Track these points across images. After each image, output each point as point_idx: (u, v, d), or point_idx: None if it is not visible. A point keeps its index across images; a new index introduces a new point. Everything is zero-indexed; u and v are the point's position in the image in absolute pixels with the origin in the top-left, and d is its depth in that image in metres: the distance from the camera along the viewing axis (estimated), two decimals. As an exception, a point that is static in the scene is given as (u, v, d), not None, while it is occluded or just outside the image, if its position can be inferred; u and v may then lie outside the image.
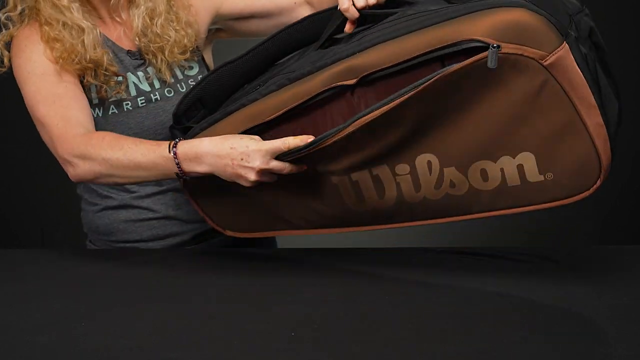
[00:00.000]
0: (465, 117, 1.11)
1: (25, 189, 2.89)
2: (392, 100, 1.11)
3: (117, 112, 1.43)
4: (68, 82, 1.39)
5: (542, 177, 1.12)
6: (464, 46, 1.07)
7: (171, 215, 1.50)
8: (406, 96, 1.10)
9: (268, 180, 1.23)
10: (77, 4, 1.40)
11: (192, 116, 1.34)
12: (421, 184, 1.17)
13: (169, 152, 1.25)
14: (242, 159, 1.21)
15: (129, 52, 1.46)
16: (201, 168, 1.24)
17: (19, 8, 1.41)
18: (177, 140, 1.26)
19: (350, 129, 1.14)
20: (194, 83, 1.48)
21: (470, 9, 1.08)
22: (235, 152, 1.21)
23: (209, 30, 1.56)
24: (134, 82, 1.45)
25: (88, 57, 1.38)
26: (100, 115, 1.43)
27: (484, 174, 1.14)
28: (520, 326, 1.03)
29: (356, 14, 1.25)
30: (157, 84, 1.46)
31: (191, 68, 1.50)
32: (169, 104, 1.44)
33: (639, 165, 2.82)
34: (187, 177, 1.27)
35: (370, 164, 1.18)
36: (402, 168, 1.17)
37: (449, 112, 1.11)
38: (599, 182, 1.12)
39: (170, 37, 1.44)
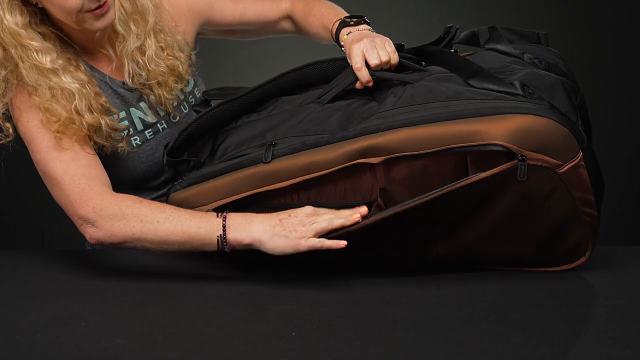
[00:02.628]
0: (477, 219, 1.18)
1: (25, 190, 2.89)
2: (422, 198, 1.14)
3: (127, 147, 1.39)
4: (79, 139, 1.30)
5: (535, 255, 1.22)
6: (490, 148, 1.12)
7: None
8: (434, 195, 1.14)
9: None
10: (60, 62, 1.30)
11: (187, 148, 1.32)
12: (425, 262, 1.24)
13: (217, 216, 1.20)
14: (289, 216, 1.18)
15: (124, 84, 1.40)
16: (249, 236, 1.18)
17: (2, 73, 1.29)
18: (226, 211, 1.21)
19: (377, 217, 1.16)
20: (192, 99, 1.47)
21: (498, 109, 1.13)
22: (284, 214, 1.18)
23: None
24: (139, 117, 1.41)
25: (85, 124, 1.29)
26: (127, 148, 1.37)
27: (484, 259, 1.23)
28: (520, 326, 1.03)
29: (367, 78, 1.26)
30: (161, 112, 1.43)
31: (188, 83, 1.47)
32: (177, 129, 1.41)
33: (638, 165, 2.82)
34: (227, 247, 1.20)
35: (385, 251, 1.23)
36: (411, 259, 1.24)
37: (463, 212, 1.17)
38: (583, 260, 1.22)
39: (164, 70, 1.39)
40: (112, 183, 1.31)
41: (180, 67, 1.42)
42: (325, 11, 1.48)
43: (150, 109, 1.42)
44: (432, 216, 1.17)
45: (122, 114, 1.39)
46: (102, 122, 1.31)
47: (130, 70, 1.38)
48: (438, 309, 1.10)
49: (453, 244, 1.20)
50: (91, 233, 1.24)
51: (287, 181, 1.20)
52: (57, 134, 1.28)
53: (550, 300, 1.12)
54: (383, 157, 1.16)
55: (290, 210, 1.18)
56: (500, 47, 1.27)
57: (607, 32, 2.81)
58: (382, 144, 1.15)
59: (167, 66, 1.40)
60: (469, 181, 1.12)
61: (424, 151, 1.14)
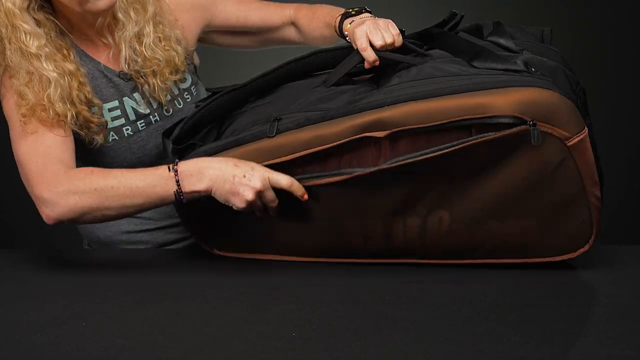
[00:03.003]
0: (486, 181, 1.17)
1: (26, 189, 2.89)
2: (424, 154, 1.15)
3: (117, 138, 1.40)
4: (48, 123, 1.31)
5: (540, 239, 1.20)
6: (497, 120, 1.12)
7: (174, 223, 1.50)
8: (438, 152, 1.14)
9: (258, 209, 1.23)
10: (47, 50, 1.31)
11: (192, 137, 1.33)
12: (427, 235, 1.23)
13: (170, 171, 1.23)
14: (244, 176, 1.20)
15: (121, 73, 1.41)
16: (201, 184, 1.21)
17: None
18: (176, 161, 1.24)
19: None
20: (188, 96, 1.47)
21: (503, 83, 1.14)
22: (239, 169, 1.20)
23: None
24: (132, 107, 1.42)
25: (53, 112, 1.30)
26: (101, 142, 1.39)
27: (489, 231, 1.21)
28: (520, 326, 1.03)
29: (374, 57, 1.25)
30: (154, 104, 1.44)
31: (185, 80, 1.48)
32: (169, 123, 1.41)
33: (638, 165, 2.82)
34: (184, 197, 1.23)
35: (385, 214, 1.22)
36: (413, 221, 1.22)
37: (472, 175, 1.17)
38: (586, 247, 1.21)
39: (160, 59, 1.40)
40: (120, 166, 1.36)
41: (177, 59, 1.43)
42: (327, 12, 1.48)
43: (143, 99, 1.43)
44: (437, 176, 1.17)
45: (115, 103, 1.41)
46: (69, 114, 1.32)
47: (127, 56, 1.39)
48: (438, 309, 1.10)
49: (457, 211, 1.19)
50: (48, 213, 1.27)
51: (291, 155, 1.21)
52: (23, 118, 1.30)
53: (550, 300, 1.12)
54: (388, 131, 1.15)
55: (248, 169, 1.20)
56: (501, 41, 1.27)
57: (607, 32, 2.81)
58: (387, 118, 1.16)
59: (164, 56, 1.41)
60: (479, 140, 1.12)
61: (430, 124, 1.14)
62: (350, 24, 1.36)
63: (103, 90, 1.40)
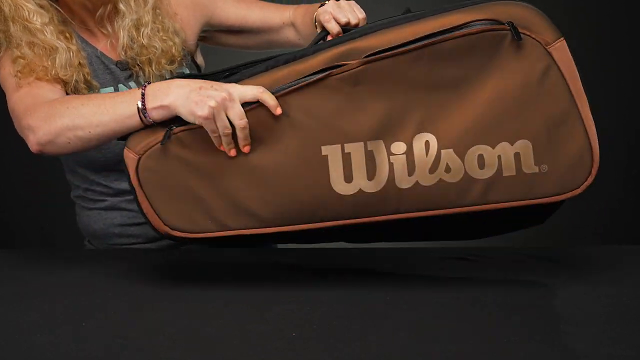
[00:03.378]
0: (470, 95, 1.13)
1: (25, 189, 2.89)
2: (400, 46, 1.12)
3: None
4: (49, 85, 1.34)
5: (537, 169, 1.13)
6: (475, 26, 1.11)
7: None
8: (413, 46, 1.11)
9: (224, 133, 1.13)
10: (51, 28, 1.35)
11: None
12: (416, 166, 1.13)
13: (139, 89, 1.18)
14: (211, 87, 1.14)
15: (118, 62, 1.44)
16: (167, 99, 1.14)
17: None
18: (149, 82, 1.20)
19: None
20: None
21: (473, 3, 1.14)
22: (206, 83, 1.15)
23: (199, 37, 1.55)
24: None
25: (54, 73, 1.34)
26: None
27: (481, 160, 1.13)
28: (519, 326, 1.03)
29: (338, 29, 1.26)
30: None
31: (183, 74, 1.48)
32: None
33: (638, 165, 2.82)
34: (147, 114, 1.15)
35: (366, 135, 1.13)
36: (398, 147, 1.14)
37: (453, 87, 1.13)
38: (590, 179, 1.14)
39: (157, 48, 1.42)
40: (92, 161, 1.40)
41: (174, 49, 1.44)
42: (315, 8, 1.47)
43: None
44: (418, 88, 1.13)
45: (111, 89, 1.43)
46: (72, 80, 1.36)
47: (124, 44, 1.41)
48: (438, 309, 1.10)
49: (444, 133, 1.13)
50: (31, 139, 1.25)
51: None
52: (19, 74, 1.33)
53: (550, 300, 1.12)
54: (362, 59, 1.13)
55: (217, 83, 1.15)
56: None
57: (605, 30, 2.81)
58: (361, 46, 1.13)
59: (161, 46, 1.42)
60: (454, 35, 1.11)
61: (403, 42, 1.12)
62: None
63: (100, 75, 1.43)
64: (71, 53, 1.37)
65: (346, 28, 1.27)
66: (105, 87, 1.43)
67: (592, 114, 1.26)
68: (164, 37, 1.44)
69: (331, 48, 1.16)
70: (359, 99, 1.14)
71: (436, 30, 1.12)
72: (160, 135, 1.16)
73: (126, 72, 1.44)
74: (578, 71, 1.14)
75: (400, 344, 0.98)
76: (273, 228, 1.16)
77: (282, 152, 1.15)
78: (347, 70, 1.14)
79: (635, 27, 2.80)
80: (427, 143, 1.13)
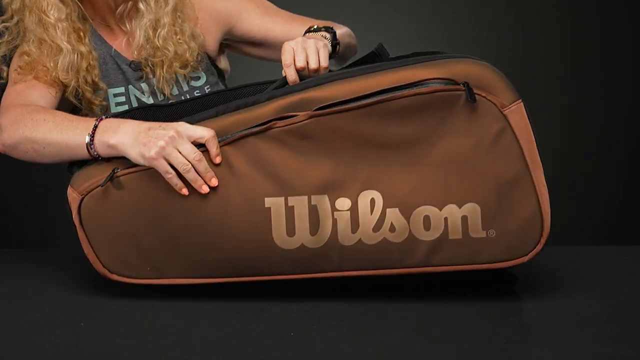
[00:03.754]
0: (419, 154, 1.10)
1: (25, 188, 2.89)
2: (351, 101, 1.09)
3: None
4: (43, 87, 1.36)
5: (484, 234, 1.10)
6: (429, 85, 1.08)
7: None
8: (364, 102, 1.08)
9: (178, 163, 1.11)
10: (65, 25, 1.36)
11: None
12: (360, 224, 1.10)
13: (97, 120, 1.18)
14: (160, 126, 1.14)
15: (131, 62, 1.44)
16: (115, 137, 1.14)
17: (15, 18, 1.38)
18: (109, 114, 1.20)
19: (301, 118, 1.10)
20: (199, 94, 1.47)
21: (432, 59, 1.12)
22: (155, 124, 1.15)
23: (220, 44, 1.54)
24: (136, 95, 1.44)
25: (54, 75, 1.35)
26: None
27: (427, 221, 1.10)
28: (519, 326, 1.03)
29: (294, 77, 1.20)
30: (159, 96, 1.44)
31: (198, 79, 1.48)
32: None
33: (638, 165, 2.82)
34: (94, 147, 1.16)
35: (311, 189, 1.11)
36: (343, 203, 1.11)
37: (403, 145, 1.10)
38: (538, 247, 1.10)
39: (169, 50, 1.41)
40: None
41: (188, 54, 1.43)
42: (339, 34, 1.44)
43: (149, 89, 1.44)
44: (367, 146, 1.10)
45: (121, 89, 1.43)
46: (71, 85, 1.36)
47: (139, 43, 1.41)
48: (438, 309, 1.10)
49: (390, 192, 1.10)
50: (1, 139, 1.27)
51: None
52: (19, 69, 1.36)
53: (550, 301, 1.12)
54: (313, 111, 1.10)
55: (168, 124, 1.14)
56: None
57: (605, 30, 2.81)
58: (313, 97, 1.11)
59: (175, 49, 1.42)
60: (410, 92, 1.08)
61: (353, 97, 1.09)
62: None
63: (111, 75, 1.43)
64: (77, 56, 1.37)
65: (302, 74, 1.21)
66: (116, 88, 1.43)
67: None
68: (180, 41, 1.43)
69: (284, 97, 1.13)
70: (306, 153, 1.11)
71: (390, 86, 1.09)
72: (104, 175, 1.15)
73: (138, 73, 1.44)
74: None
75: (400, 344, 0.98)
76: (210, 279, 1.16)
77: (225, 200, 1.13)
78: (294, 123, 1.11)
79: (636, 27, 2.80)
80: (372, 201, 1.11)
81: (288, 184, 1.11)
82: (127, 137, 1.14)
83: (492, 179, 1.08)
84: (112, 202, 1.15)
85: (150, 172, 1.14)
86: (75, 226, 1.17)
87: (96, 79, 1.40)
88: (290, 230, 1.12)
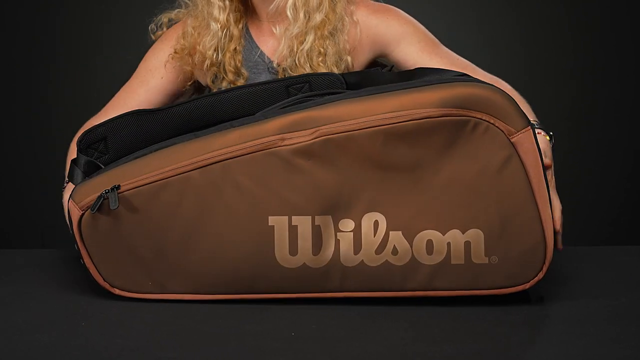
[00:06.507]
0: (424, 178, 1.09)
1: (25, 189, 2.89)
2: (357, 122, 1.08)
3: None
4: (162, 77, 1.53)
5: (486, 260, 1.09)
6: (428, 114, 1.07)
7: None
8: (370, 123, 1.07)
9: None
10: (227, 3, 1.46)
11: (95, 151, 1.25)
12: (362, 246, 1.10)
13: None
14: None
15: (269, 68, 1.47)
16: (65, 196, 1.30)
17: None
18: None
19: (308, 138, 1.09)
20: None
21: (441, 80, 1.10)
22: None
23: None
24: None
25: (201, 56, 1.47)
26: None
27: (429, 245, 1.09)
28: (520, 326, 1.03)
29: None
30: None
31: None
32: None
33: (638, 164, 2.82)
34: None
35: (315, 209, 1.10)
36: (347, 224, 1.10)
37: (409, 169, 1.09)
38: (540, 275, 1.10)
39: (306, 71, 1.41)
40: None
41: None
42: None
43: None
44: (370, 169, 1.09)
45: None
46: (213, 67, 1.48)
47: (282, 51, 1.44)
48: (438, 309, 1.10)
49: (393, 215, 1.09)
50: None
51: (220, 154, 1.11)
52: (174, 54, 1.50)
53: (550, 300, 1.12)
54: (316, 130, 1.09)
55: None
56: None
57: (605, 30, 2.81)
58: (317, 116, 1.09)
59: (312, 70, 1.41)
60: (418, 114, 1.06)
61: (359, 120, 1.07)
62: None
63: (252, 68, 1.49)
64: (227, 35, 1.46)
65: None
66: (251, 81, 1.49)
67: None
68: (320, 63, 1.42)
69: (287, 114, 1.11)
70: (311, 173, 1.10)
71: (397, 110, 1.08)
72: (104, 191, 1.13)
73: (273, 77, 1.47)
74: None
75: (400, 344, 0.98)
76: (211, 295, 1.15)
77: (228, 216, 1.12)
78: (299, 142, 1.10)
79: (636, 27, 2.80)
80: (376, 223, 1.10)
81: (292, 203, 1.10)
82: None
83: (497, 206, 1.08)
84: (113, 217, 1.14)
85: (150, 188, 1.13)
86: (76, 242, 1.16)
87: (239, 65, 1.46)
88: (293, 250, 1.11)
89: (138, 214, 1.13)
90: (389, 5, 1.52)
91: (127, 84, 1.56)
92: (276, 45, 1.47)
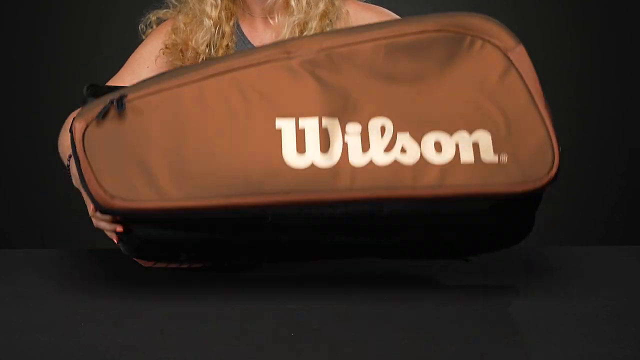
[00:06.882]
0: (427, 86, 1.13)
1: (25, 189, 2.89)
2: (361, 32, 1.15)
3: None
4: (148, 66, 1.52)
5: (496, 159, 1.10)
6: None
7: None
8: (372, 36, 1.15)
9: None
10: (220, 2, 1.45)
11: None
12: (370, 145, 1.10)
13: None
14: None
15: None
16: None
17: None
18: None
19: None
20: None
21: (433, 14, 1.18)
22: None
23: None
24: None
25: (194, 52, 1.47)
26: None
27: (437, 145, 1.10)
28: (519, 326, 1.04)
29: None
30: None
31: None
32: None
33: (638, 164, 2.82)
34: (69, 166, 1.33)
35: (322, 112, 1.12)
36: (354, 127, 1.12)
37: (411, 78, 1.13)
38: (552, 174, 1.10)
39: None
40: None
41: None
42: None
43: None
44: (373, 79, 1.14)
45: None
46: (211, 56, 1.47)
47: (284, 38, 1.44)
48: (438, 309, 1.10)
49: (399, 116, 1.11)
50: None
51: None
52: (165, 49, 1.49)
53: (550, 301, 1.12)
54: (317, 47, 1.15)
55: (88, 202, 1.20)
56: None
57: (606, 28, 2.81)
58: (318, 39, 1.16)
59: None
60: (416, 29, 1.15)
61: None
62: None
63: None
64: (219, 32, 1.46)
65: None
66: None
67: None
68: None
69: (290, 40, 1.18)
70: (317, 81, 1.13)
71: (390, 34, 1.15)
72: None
73: None
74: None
75: (400, 344, 0.98)
76: (216, 200, 1.10)
77: (236, 120, 1.13)
78: (305, 56, 1.15)
79: (636, 27, 2.80)
80: (383, 126, 1.11)
81: (299, 107, 1.13)
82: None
83: (500, 112, 1.11)
84: (119, 124, 1.13)
85: (159, 96, 1.14)
86: (77, 157, 1.12)
87: None
88: (301, 147, 1.11)
89: (145, 119, 1.13)
90: (377, 5, 1.56)
91: (115, 75, 1.56)
92: (273, 37, 1.48)
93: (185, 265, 1.23)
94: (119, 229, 1.14)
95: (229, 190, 1.11)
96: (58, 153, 1.45)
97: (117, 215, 1.15)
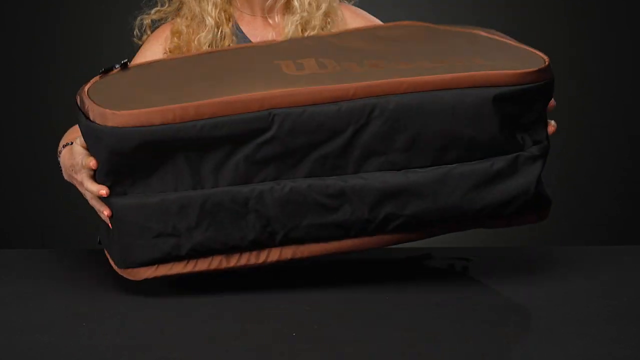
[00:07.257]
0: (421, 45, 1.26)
1: (25, 189, 2.89)
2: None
3: None
4: None
5: (486, 61, 1.14)
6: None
7: None
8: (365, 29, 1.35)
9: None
10: (218, 1, 1.45)
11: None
12: (366, 62, 1.18)
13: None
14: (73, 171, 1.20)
15: None
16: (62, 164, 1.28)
17: None
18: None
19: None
20: None
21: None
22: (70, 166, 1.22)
23: None
24: None
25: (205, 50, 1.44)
26: None
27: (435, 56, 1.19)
28: (519, 326, 1.04)
29: None
30: None
31: None
32: None
33: (638, 164, 2.82)
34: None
35: (319, 54, 1.21)
36: (351, 65, 1.17)
37: (407, 39, 1.28)
38: (547, 61, 1.15)
39: None
40: None
41: None
42: None
43: None
44: (377, 37, 1.30)
45: None
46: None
47: (288, 37, 1.44)
48: (438, 309, 1.10)
49: (387, 55, 1.19)
50: None
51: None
52: (168, 52, 1.48)
53: (549, 300, 1.12)
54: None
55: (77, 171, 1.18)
56: None
57: (605, 31, 2.81)
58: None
59: None
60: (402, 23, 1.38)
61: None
62: None
63: None
64: (221, 33, 1.46)
65: None
66: None
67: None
68: None
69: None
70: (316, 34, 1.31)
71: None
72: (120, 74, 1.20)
73: None
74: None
75: (400, 344, 0.98)
76: (221, 98, 1.08)
77: (238, 57, 1.25)
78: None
79: (636, 26, 2.80)
80: (375, 64, 1.17)
81: (297, 51, 1.23)
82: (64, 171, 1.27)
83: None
84: (123, 73, 1.19)
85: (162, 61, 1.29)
86: (82, 102, 1.12)
87: None
88: (300, 68, 1.16)
89: (148, 68, 1.25)
90: (366, 12, 1.58)
91: None
92: (274, 36, 1.49)
93: (186, 270, 1.19)
94: (103, 191, 1.12)
95: (232, 92, 1.09)
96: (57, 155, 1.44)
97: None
